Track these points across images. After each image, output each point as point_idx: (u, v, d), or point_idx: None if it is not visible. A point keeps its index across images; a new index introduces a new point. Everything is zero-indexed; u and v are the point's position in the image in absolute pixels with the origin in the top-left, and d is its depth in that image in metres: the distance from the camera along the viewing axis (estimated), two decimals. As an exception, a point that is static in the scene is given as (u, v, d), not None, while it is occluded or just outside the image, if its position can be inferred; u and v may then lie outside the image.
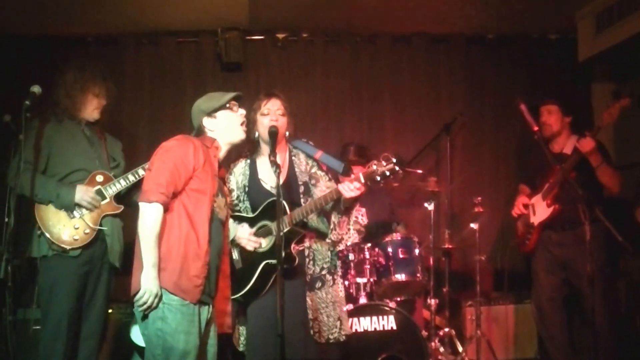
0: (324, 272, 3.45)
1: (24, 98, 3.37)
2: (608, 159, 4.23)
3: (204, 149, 2.99)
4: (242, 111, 3.14)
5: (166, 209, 2.83)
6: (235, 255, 3.41)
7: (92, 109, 3.79)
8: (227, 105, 3.10)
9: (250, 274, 3.33)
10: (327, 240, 3.50)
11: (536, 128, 3.83)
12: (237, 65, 5.38)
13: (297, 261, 3.30)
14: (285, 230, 3.19)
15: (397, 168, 3.13)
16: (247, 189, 3.51)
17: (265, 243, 3.35)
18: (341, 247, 3.61)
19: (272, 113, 3.42)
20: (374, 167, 3.15)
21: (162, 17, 5.05)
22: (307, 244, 3.42)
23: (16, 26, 4.98)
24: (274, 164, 3.06)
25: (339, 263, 3.59)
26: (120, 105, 4.81)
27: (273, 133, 3.27)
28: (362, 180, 3.17)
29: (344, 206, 3.36)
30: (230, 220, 3.39)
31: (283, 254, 3.03)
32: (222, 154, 3.12)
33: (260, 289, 3.32)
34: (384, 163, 3.13)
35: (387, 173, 3.13)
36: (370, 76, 5.58)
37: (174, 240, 2.83)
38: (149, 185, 2.83)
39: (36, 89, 3.42)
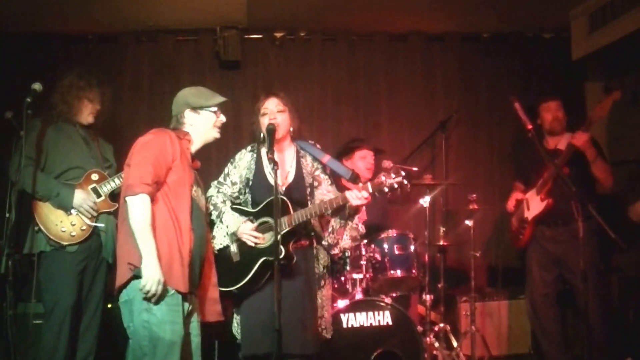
0: (325, 271, 3.57)
1: (25, 95, 3.41)
2: (602, 154, 4.26)
3: (178, 140, 3.05)
4: (223, 118, 3.20)
5: (152, 200, 2.87)
6: (234, 248, 3.45)
7: (87, 114, 3.87)
8: (214, 109, 3.16)
9: (247, 269, 3.37)
10: (323, 243, 3.57)
11: (530, 126, 3.78)
12: (235, 64, 5.41)
13: (294, 259, 3.33)
14: (285, 230, 3.26)
15: (405, 182, 3.21)
16: (250, 182, 3.56)
17: (266, 239, 3.39)
18: (336, 250, 3.66)
19: (270, 112, 3.49)
20: (383, 178, 3.25)
21: (161, 16, 5.07)
22: (307, 242, 3.48)
23: (17, 24, 5.00)
24: (271, 160, 3.16)
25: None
26: (119, 103, 4.84)
27: (270, 130, 3.32)
28: (370, 190, 3.26)
29: (348, 213, 3.43)
30: (231, 212, 3.46)
31: (283, 253, 3.16)
32: (194, 148, 3.16)
33: (256, 284, 3.38)
34: (392, 175, 3.23)
35: (395, 185, 3.22)
36: (367, 74, 5.60)
37: (160, 232, 2.86)
38: (133, 179, 2.86)
39: (37, 86, 3.45)
